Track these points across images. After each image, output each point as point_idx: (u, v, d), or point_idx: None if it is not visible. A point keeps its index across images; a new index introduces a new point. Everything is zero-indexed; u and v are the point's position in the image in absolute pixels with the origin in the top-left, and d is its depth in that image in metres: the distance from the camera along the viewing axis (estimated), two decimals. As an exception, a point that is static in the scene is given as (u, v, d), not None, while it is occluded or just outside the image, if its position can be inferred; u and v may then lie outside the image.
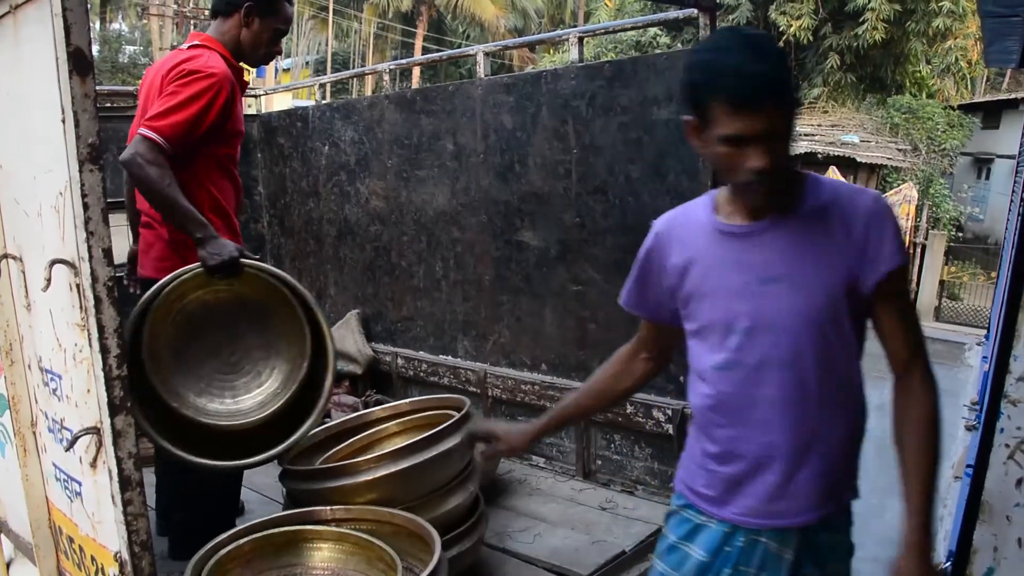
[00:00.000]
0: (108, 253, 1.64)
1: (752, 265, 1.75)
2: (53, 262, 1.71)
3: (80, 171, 1.59)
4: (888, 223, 1.75)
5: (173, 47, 22.87)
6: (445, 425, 2.90)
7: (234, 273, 2.84)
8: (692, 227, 1.87)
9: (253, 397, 3.07)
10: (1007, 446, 2.82)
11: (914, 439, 1.84)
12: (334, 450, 3.30)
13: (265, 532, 2.57)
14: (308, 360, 3.04)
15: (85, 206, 1.59)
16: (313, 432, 3.26)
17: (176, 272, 2.77)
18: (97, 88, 1.67)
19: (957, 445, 6.82)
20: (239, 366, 3.09)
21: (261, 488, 3.86)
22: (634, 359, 2.16)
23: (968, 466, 4.64)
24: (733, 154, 1.63)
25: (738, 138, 1.61)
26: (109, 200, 1.69)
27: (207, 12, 21.15)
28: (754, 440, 1.80)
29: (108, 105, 4.99)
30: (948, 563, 3.79)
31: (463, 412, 3.04)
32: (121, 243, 4.40)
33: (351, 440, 3.36)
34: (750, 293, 1.74)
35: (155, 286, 2.73)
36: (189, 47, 3.06)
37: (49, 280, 1.72)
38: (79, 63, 1.57)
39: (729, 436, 1.82)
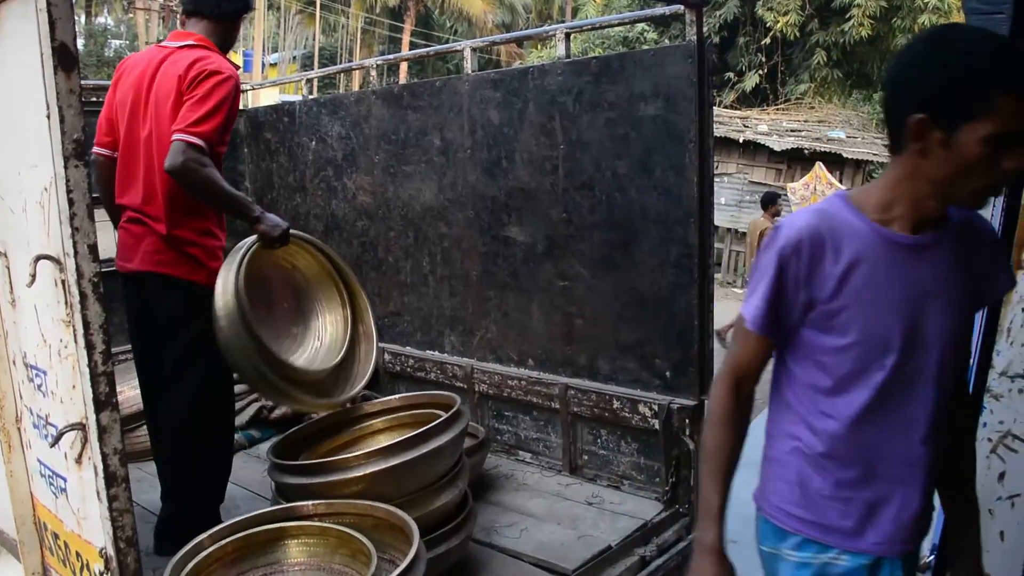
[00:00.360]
0: (93, 249, 1.63)
1: (916, 279, 1.67)
2: (38, 258, 1.71)
3: (65, 167, 1.59)
4: (1004, 248, 1.74)
5: (159, 41, 22.74)
6: (436, 423, 2.90)
7: (286, 242, 3.21)
8: (848, 232, 1.68)
9: (300, 355, 3.52)
10: (990, 440, 2.86)
11: (974, 457, 1.87)
12: (321, 444, 3.31)
13: (248, 532, 2.57)
14: (350, 313, 3.58)
15: (70, 202, 1.59)
16: (301, 426, 3.32)
17: (246, 248, 3.06)
18: (83, 83, 1.66)
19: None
20: (280, 331, 3.50)
21: (248, 484, 3.86)
22: (740, 405, 1.89)
23: (952, 460, 4.65)
24: (991, 155, 1.51)
25: (1012, 136, 1.50)
26: (94, 196, 1.68)
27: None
28: (898, 459, 1.73)
29: (94, 100, 4.96)
30: (932, 557, 3.82)
31: (453, 410, 3.04)
32: (107, 239, 4.38)
33: (338, 435, 3.37)
34: (909, 308, 1.67)
35: (236, 260, 3.00)
36: (185, 46, 3.07)
37: (34, 276, 1.71)
38: (64, 59, 1.56)
39: (871, 457, 1.74)
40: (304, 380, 3.32)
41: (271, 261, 3.35)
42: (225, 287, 2.92)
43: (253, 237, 3.11)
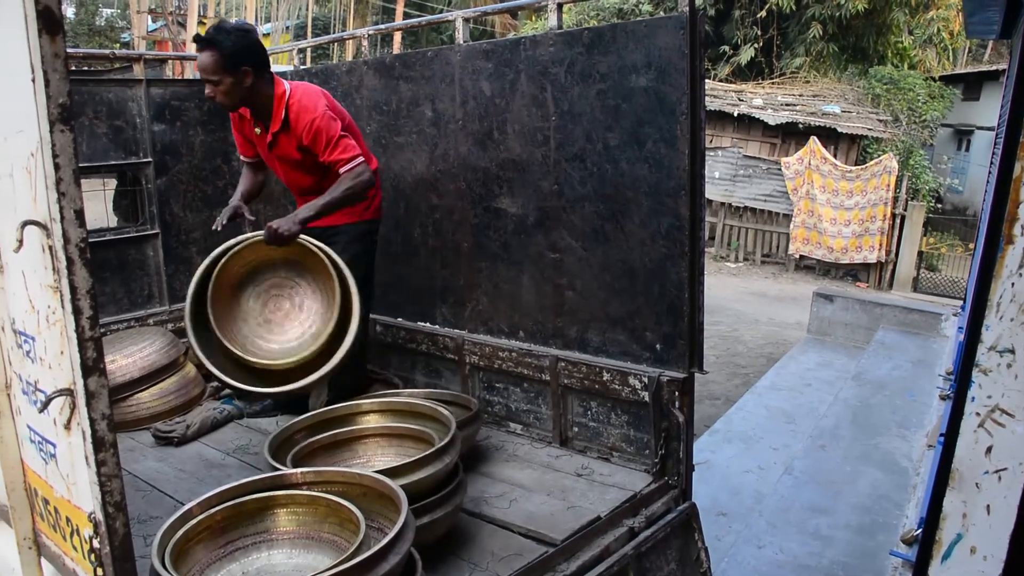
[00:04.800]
0: (80, 214, 1.62)
1: None
2: (25, 223, 1.70)
3: (51, 131, 1.57)
4: None
5: (151, 10, 22.54)
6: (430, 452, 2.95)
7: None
8: None
9: (293, 340, 3.94)
10: (978, 414, 2.87)
11: None
12: (316, 438, 3.32)
13: (237, 500, 2.59)
14: (339, 306, 3.74)
15: (56, 167, 1.58)
16: (298, 419, 3.41)
17: (242, 238, 3.77)
18: (74, 51, 1.65)
19: (931, 415, 6.93)
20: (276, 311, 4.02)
21: (238, 453, 3.88)
22: None
23: (941, 435, 4.71)
24: None
25: None
26: (84, 165, 1.68)
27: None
28: None
29: (85, 68, 4.93)
30: (919, 530, 3.85)
31: (449, 436, 3.08)
32: (97, 207, 4.38)
33: (336, 430, 3.40)
34: None
35: (221, 249, 3.74)
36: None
37: (21, 241, 1.71)
38: (48, 22, 1.54)
39: None
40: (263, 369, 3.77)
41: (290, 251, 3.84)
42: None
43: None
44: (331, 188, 3.77)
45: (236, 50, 3.67)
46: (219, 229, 3.88)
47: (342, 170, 3.76)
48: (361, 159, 3.79)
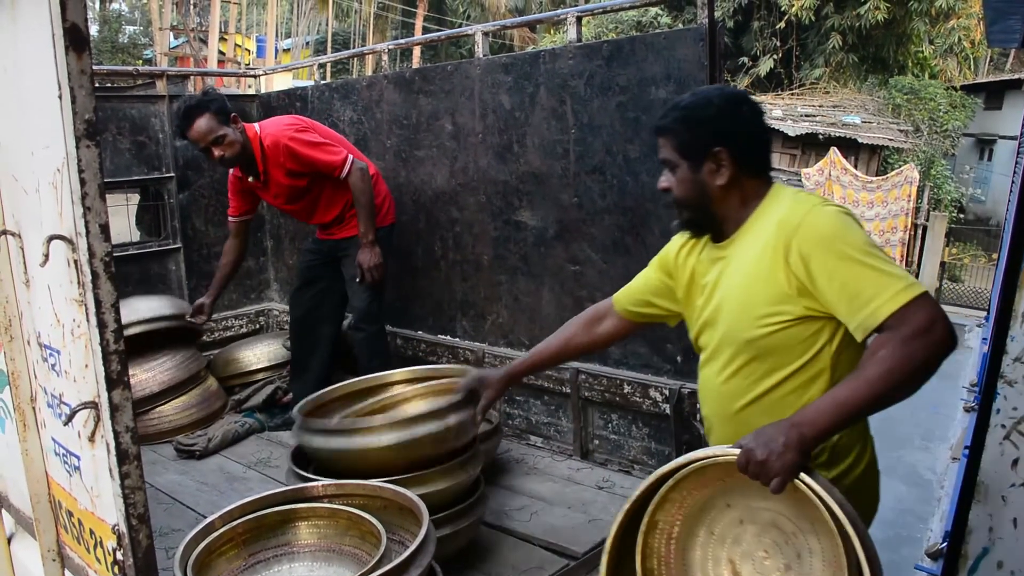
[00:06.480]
0: (105, 228, 1.64)
1: None
2: (51, 238, 1.72)
3: (77, 147, 1.59)
4: None
5: (173, 27, 22.74)
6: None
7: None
8: None
9: None
10: (1003, 427, 2.83)
11: None
12: (351, 409, 3.34)
13: (258, 513, 2.59)
14: None
15: (82, 181, 1.59)
16: (330, 388, 3.46)
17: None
18: (98, 68, 1.67)
19: (955, 427, 6.86)
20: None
21: (259, 466, 3.90)
22: None
23: (965, 447, 4.67)
24: None
25: None
26: (108, 180, 1.69)
27: (207, -8, 21.08)
28: None
29: (108, 85, 4.99)
30: (944, 543, 3.80)
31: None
32: (120, 222, 4.42)
33: (366, 400, 3.41)
34: None
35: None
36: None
37: (47, 256, 1.72)
38: (75, 39, 1.56)
39: None
40: None
41: None
42: None
43: None
44: (356, 202, 4.01)
45: (222, 105, 3.96)
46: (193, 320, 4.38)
47: (341, 175, 3.96)
48: (348, 156, 3.99)
